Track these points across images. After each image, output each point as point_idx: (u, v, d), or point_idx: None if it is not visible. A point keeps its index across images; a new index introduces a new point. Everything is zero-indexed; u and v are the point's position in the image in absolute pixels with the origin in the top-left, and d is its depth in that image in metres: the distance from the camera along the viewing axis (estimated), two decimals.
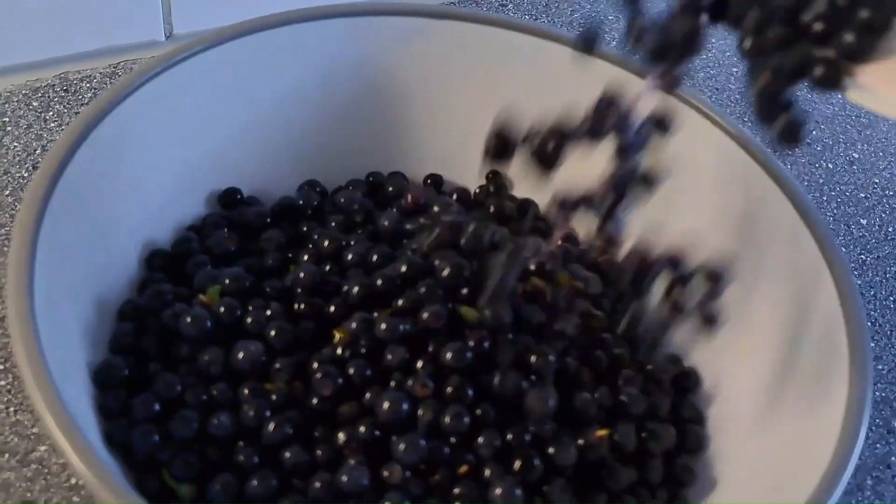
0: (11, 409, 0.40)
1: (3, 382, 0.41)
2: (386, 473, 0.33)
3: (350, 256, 0.39)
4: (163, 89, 0.41)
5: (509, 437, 0.34)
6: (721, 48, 0.67)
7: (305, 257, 0.40)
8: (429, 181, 0.47)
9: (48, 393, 0.28)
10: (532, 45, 0.45)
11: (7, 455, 0.39)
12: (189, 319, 0.36)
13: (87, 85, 0.55)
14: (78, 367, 0.33)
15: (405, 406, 0.34)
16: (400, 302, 0.36)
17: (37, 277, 0.32)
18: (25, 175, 0.50)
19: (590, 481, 0.35)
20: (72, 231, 0.36)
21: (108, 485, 0.26)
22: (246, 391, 0.35)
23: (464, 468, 0.34)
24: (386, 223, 0.41)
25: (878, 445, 0.45)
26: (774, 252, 0.39)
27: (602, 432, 0.35)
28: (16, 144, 0.51)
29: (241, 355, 0.35)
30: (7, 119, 0.52)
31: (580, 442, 0.35)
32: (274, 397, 0.35)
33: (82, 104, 0.54)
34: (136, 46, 0.57)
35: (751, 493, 0.34)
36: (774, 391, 0.37)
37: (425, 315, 0.35)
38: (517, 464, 0.33)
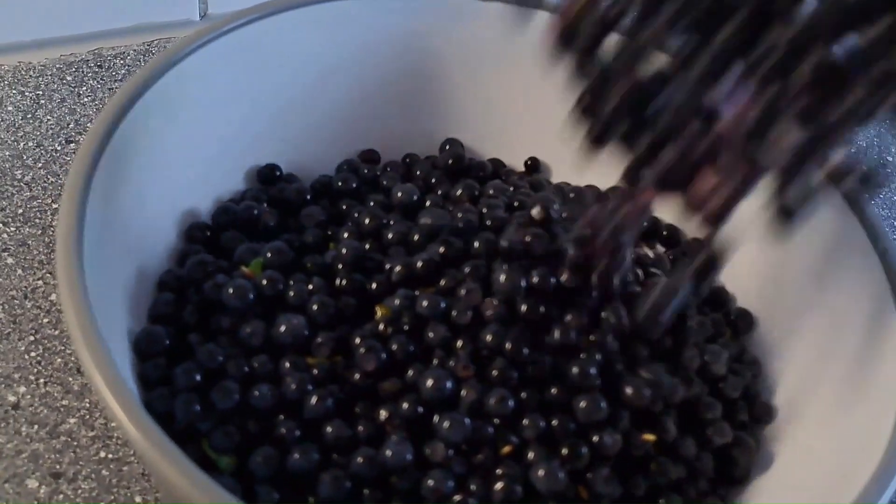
0: (41, 380, 0.40)
1: (33, 354, 0.41)
2: (428, 451, 0.32)
3: (391, 235, 0.39)
4: (202, 64, 0.40)
5: (554, 422, 0.34)
6: None
7: (346, 234, 0.39)
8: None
9: (100, 356, 0.27)
10: None
11: (37, 426, 0.39)
12: (231, 290, 0.35)
13: (121, 62, 0.55)
14: (120, 336, 0.33)
15: (449, 384, 0.33)
16: (442, 282, 0.36)
17: (85, 246, 0.31)
18: (58, 148, 0.49)
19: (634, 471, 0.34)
20: (115, 203, 0.35)
21: (159, 446, 0.26)
22: (287, 364, 0.34)
23: (507, 448, 0.33)
24: (399, 195, 0.41)
25: None
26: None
27: (649, 437, 0.35)
28: (49, 118, 0.51)
29: (283, 328, 0.34)
30: (41, 93, 0.52)
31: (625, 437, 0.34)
32: (315, 371, 0.34)
33: (116, 80, 0.54)
34: (170, 25, 0.57)
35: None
36: (828, 383, 0.36)
37: (464, 292, 0.35)
38: (563, 450, 0.33)
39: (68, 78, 0.53)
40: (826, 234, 0.38)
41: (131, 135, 0.36)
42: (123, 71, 0.54)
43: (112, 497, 0.37)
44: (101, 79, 0.54)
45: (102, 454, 0.38)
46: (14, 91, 0.52)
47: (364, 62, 0.45)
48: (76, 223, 0.31)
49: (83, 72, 0.54)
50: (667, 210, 0.42)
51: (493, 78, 0.46)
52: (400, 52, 0.45)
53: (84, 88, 0.53)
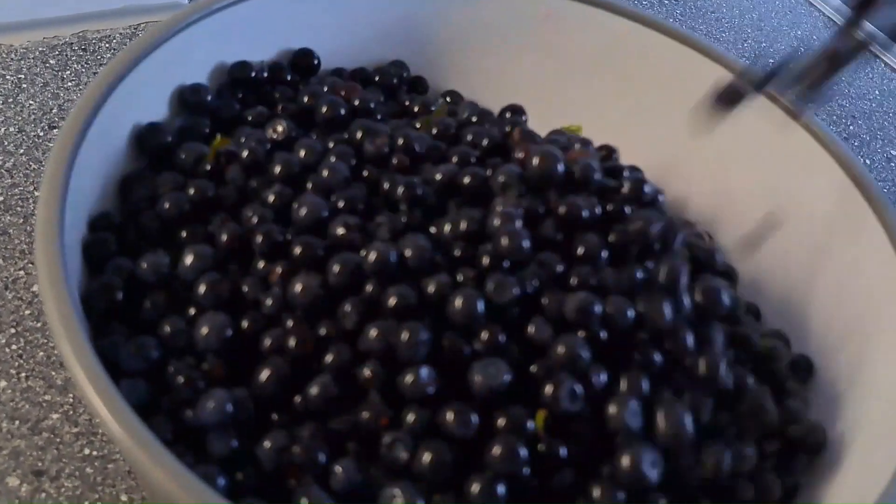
0: (23, 374, 0.38)
1: (14, 347, 0.39)
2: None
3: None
4: (187, 46, 0.39)
5: None
6: None
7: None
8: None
9: (82, 350, 0.26)
10: None
11: (18, 422, 0.37)
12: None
13: (107, 45, 0.53)
14: None
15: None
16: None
17: (66, 235, 0.30)
18: (41, 134, 0.47)
19: None
20: (97, 189, 0.34)
21: (143, 445, 0.24)
22: None
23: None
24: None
25: None
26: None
27: None
28: (31, 102, 0.49)
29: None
30: (23, 76, 0.50)
31: None
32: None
33: (101, 64, 0.52)
34: (156, 8, 0.55)
35: None
36: None
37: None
38: None
39: (52, 61, 0.51)
40: None
41: (114, 117, 0.35)
42: (109, 55, 0.52)
43: (97, 496, 0.35)
44: (86, 62, 0.52)
45: (87, 451, 0.37)
46: None
47: (354, 44, 0.43)
48: (57, 211, 0.30)
49: (67, 55, 0.52)
50: None
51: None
52: (393, 36, 0.44)
53: (68, 72, 0.51)
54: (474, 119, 0.39)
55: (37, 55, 0.52)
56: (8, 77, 0.50)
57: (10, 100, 0.49)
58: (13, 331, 0.40)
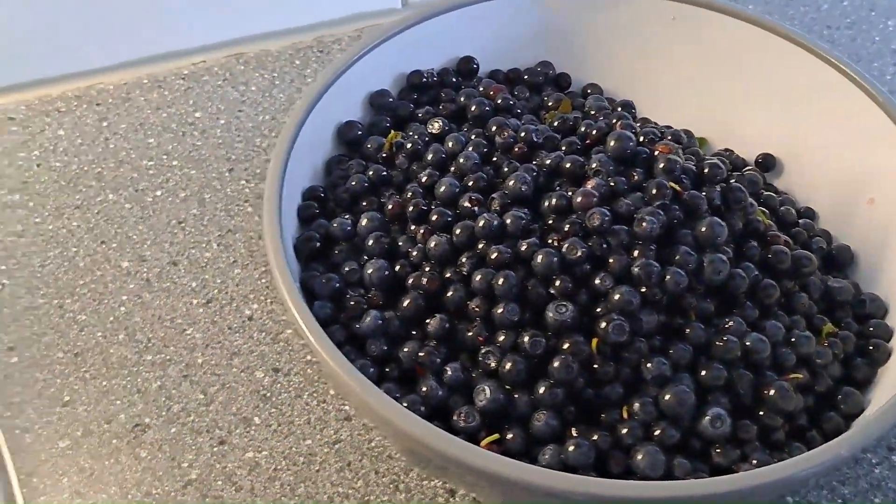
0: (269, 300, 0.53)
1: (263, 280, 0.54)
2: None
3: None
4: (375, 60, 0.51)
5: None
6: None
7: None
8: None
9: (300, 307, 0.39)
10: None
11: (264, 333, 0.52)
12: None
13: (338, 46, 0.68)
14: None
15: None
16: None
17: (284, 203, 0.43)
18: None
19: None
20: (307, 168, 0.48)
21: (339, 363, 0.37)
22: None
23: None
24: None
25: None
26: None
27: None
28: (281, 95, 0.64)
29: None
30: (276, 74, 0.66)
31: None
32: None
33: None
34: (377, 13, 0.69)
35: None
36: None
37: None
38: None
39: (297, 62, 0.67)
40: None
41: (322, 116, 0.48)
42: (340, 55, 0.67)
43: (313, 388, 0.50)
44: (322, 62, 0.67)
45: (308, 357, 0.51)
46: (256, 74, 0.65)
47: (508, 50, 0.54)
48: (277, 186, 0.43)
49: (307, 56, 0.67)
50: None
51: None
52: (541, 40, 0.54)
53: (308, 70, 0.66)
54: (593, 112, 0.49)
55: (286, 57, 0.67)
56: (265, 76, 0.65)
57: (267, 94, 0.64)
58: (263, 269, 0.55)
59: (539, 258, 0.40)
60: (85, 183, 0.58)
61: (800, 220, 0.49)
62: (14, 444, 0.46)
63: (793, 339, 0.41)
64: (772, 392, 0.39)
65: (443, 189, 0.44)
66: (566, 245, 0.40)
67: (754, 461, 0.38)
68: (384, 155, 0.48)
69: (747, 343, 0.40)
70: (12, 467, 0.45)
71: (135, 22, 0.63)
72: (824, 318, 0.44)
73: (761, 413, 0.40)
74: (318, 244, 0.45)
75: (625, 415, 0.39)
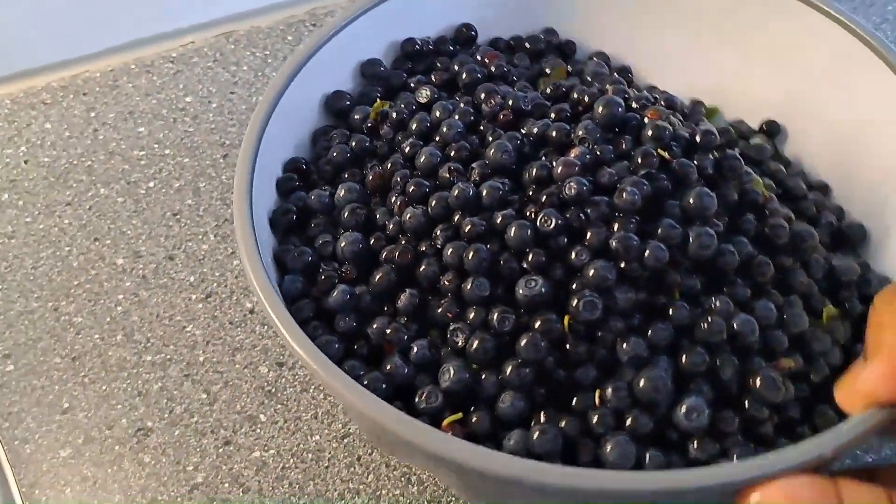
0: None
1: None
2: None
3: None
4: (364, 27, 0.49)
5: None
6: None
7: None
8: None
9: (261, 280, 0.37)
10: None
11: (266, 327, 0.50)
12: None
13: (332, 18, 0.65)
14: None
15: None
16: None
17: (259, 175, 0.41)
18: None
19: None
20: (290, 140, 0.46)
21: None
22: None
23: None
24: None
25: None
26: None
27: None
28: (274, 74, 0.62)
29: None
30: (268, 52, 0.63)
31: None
32: None
33: None
34: None
35: None
36: None
37: None
38: None
39: (289, 38, 0.64)
40: None
41: (306, 86, 0.46)
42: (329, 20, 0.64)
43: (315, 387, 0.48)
44: None
45: None
46: (247, 53, 0.63)
47: (508, 17, 0.52)
48: (250, 161, 0.41)
49: (300, 31, 0.65)
50: None
51: None
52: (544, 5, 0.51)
53: (301, 46, 0.63)
54: (590, 79, 0.46)
55: (278, 33, 0.64)
56: (257, 54, 0.63)
57: (259, 73, 0.62)
58: None
59: (512, 230, 0.37)
60: (75, 178, 0.56)
61: (809, 195, 0.46)
62: (14, 455, 0.45)
63: (785, 319, 0.38)
64: (757, 381, 0.36)
65: (423, 159, 0.42)
66: (540, 216, 0.38)
67: (734, 456, 0.35)
68: (369, 125, 0.46)
69: (734, 325, 0.37)
70: (13, 480, 0.44)
71: (119, 5, 0.61)
72: (825, 300, 0.40)
73: (746, 403, 0.37)
74: (295, 216, 0.43)
75: (597, 400, 0.36)
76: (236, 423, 0.46)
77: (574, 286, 0.37)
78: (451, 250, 0.38)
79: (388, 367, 0.38)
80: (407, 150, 0.43)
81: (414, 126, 0.44)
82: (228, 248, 0.53)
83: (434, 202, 0.40)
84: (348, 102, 0.48)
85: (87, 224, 0.54)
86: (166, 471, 0.44)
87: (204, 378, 0.48)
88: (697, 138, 0.40)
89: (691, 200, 0.38)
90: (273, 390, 0.47)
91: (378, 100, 0.48)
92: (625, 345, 0.36)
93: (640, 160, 0.39)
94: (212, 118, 0.59)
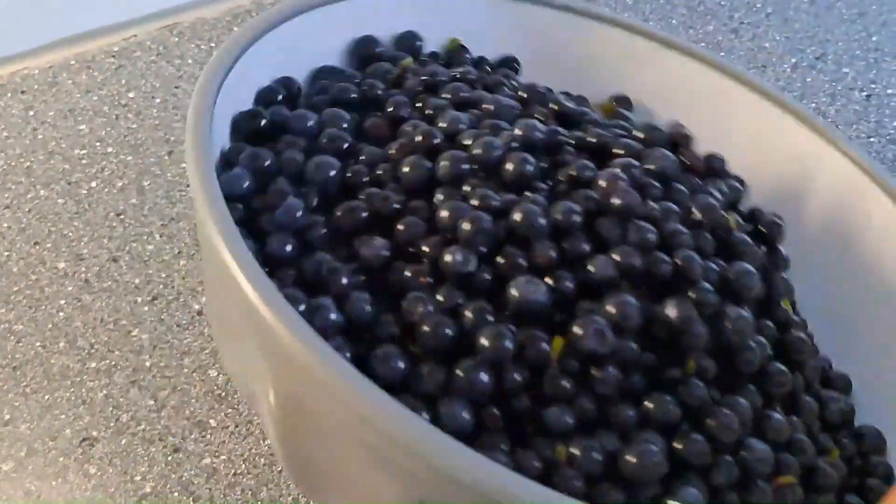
0: None
1: None
2: None
3: None
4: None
5: None
6: None
7: None
8: None
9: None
10: None
11: None
12: None
13: None
14: None
15: None
16: None
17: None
18: None
19: None
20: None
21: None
22: None
23: None
24: None
25: None
26: None
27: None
28: None
29: None
30: (213, 45, 0.61)
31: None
32: None
33: None
34: None
35: None
36: None
37: None
38: None
39: (235, 28, 0.62)
40: None
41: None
42: None
43: None
44: None
45: None
46: (192, 45, 0.61)
47: None
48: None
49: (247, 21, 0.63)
50: None
51: None
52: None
53: None
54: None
55: (224, 24, 0.62)
56: (202, 46, 0.61)
57: (205, 66, 0.60)
58: None
59: (527, 212, 0.32)
60: (13, 179, 0.54)
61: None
62: None
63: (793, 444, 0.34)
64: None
65: (447, 121, 0.36)
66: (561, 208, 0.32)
67: None
68: (391, 77, 0.41)
69: (748, 443, 0.32)
70: None
71: None
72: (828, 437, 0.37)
73: None
74: (265, 124, 0.37)
75: (563, 456, 0.30)
76: (185, 429, 0.45)
77: (584, 306, 0.31)
78: (447, 212, 0.32)
79: (303, 307, 0.30)
80: (430, 111, 0.38)
81: (447, 95, 0.39)
82: (175, 247, 0.51)
83: (445, 161, 0.34)
84: (379, 49, 0.43)
85: (26, 227, 0.52)
86: (113, 482, 0.43)
87: (151, 384, 0.46)
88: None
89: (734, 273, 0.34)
90: (223, 394, 0.46)
91: (410, 57, 0.43)
92: (646, 402, 0.30)
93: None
94: (156, 114, 0.57)
